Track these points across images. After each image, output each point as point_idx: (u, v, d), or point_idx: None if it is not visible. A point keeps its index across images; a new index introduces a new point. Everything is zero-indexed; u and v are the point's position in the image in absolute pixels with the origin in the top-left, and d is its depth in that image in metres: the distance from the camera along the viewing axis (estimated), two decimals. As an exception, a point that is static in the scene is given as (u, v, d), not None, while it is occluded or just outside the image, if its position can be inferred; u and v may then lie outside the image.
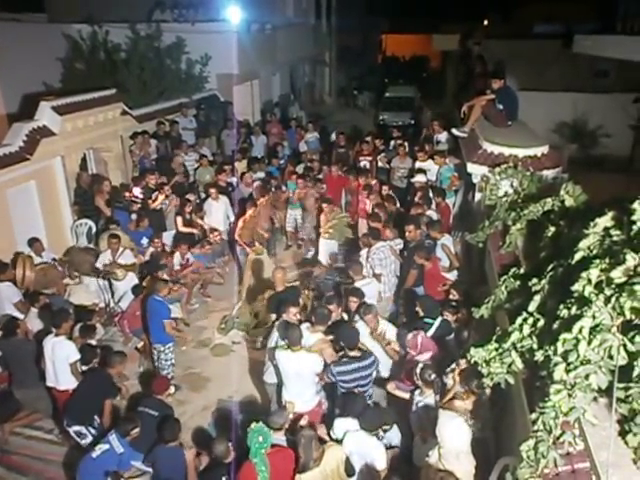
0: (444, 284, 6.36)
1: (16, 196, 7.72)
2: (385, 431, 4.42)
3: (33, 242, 7.48)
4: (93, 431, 5.27)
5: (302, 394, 4.89)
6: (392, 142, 11.14)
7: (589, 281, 2.76)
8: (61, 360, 5.43)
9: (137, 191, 8.70)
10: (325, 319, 5.21)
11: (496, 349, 3.39)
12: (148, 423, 4.80)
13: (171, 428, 4.57)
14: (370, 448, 4.13)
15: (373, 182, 9.21)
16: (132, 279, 7.37)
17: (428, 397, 4.39)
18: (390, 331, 5.44)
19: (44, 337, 5.62)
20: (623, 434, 2.65)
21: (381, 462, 4.11)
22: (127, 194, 8.80)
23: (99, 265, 7.47)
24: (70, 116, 8.68)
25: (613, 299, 2.59)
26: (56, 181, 8.61)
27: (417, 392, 4.53)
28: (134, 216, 8.39)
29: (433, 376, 4.38)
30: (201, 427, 5.87)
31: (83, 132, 9.13)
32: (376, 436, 4.23)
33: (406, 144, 10.23)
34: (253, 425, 4.05)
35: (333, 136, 12.33)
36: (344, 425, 4.29)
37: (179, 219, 8.67)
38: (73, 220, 8.83)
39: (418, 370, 4.42)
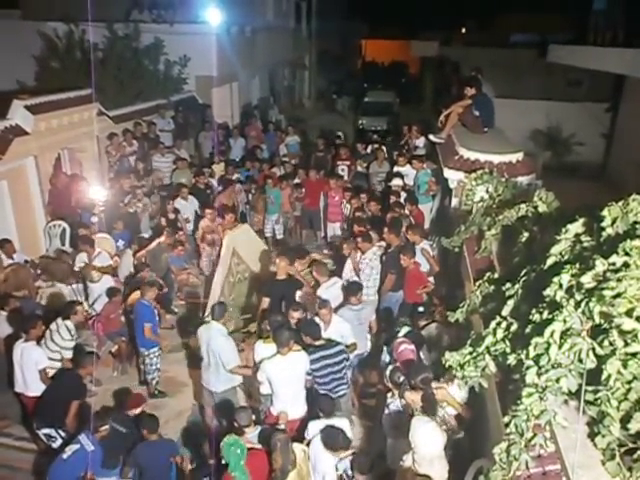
0: (425, 286, 6.38)
1: (-13, 196, 7.55)
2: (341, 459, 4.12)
3: (4, 243, 7.25)
4: (63, 434, 5.14)
5: (296, 399, 4.82)
6: (369, 147, 11.21)
7: (560, 286, 2.80)
8: (30, 366, 5.32)
9: (101, 193, 8.58)
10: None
11: (470, 353, 3.43)
12: (117, 438, 4.67)
13: (148, 422, 4.55)
14: (328, 468, 4.01)
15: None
16: (107, 281, 7.24)
17: (397, 399, 4.41)
18: (344, 330, 5.35)
19: (13, 342, 5.49)
20: (592, 436, 2.69)
21: None
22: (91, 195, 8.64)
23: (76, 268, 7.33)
24: (44, 115, 8.50)
25: (583, 304, 2.63)
26: (29, 181, 8.42)
27: (389, 395, 4.53)
28: (94, 218, 8.19)
29: (402, 378, 4.38)
30: (176, 432, 5.78)
31: (57, 132, 8.94)
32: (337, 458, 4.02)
33: (384, 149, 10.30)
34: (227, 438, 3.96)
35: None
36: (318, 427, 4.28)
37: (164, 221, 8.56)
38: (47, 221, 8.63)
39: (388, 372, 4.44)
